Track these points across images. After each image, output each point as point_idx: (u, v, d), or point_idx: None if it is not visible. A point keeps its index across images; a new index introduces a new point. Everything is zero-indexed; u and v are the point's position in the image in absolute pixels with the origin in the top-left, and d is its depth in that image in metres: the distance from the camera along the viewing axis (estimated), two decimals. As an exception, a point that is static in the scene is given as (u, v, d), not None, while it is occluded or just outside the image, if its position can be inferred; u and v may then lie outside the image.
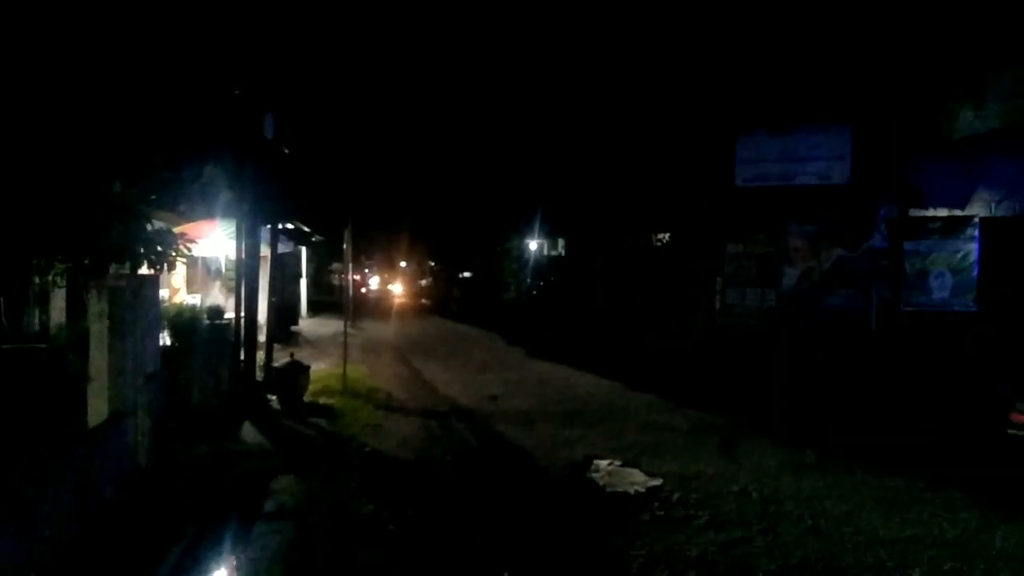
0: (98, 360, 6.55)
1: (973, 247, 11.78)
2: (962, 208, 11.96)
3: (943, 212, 12.13)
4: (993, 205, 11.80)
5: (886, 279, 12.34)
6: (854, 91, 12.76)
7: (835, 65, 12.62)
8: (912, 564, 5.35)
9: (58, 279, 9.15)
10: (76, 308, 10.12)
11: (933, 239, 12.10)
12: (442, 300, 39.56)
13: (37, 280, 9.97)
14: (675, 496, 6.88)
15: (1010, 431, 8.83)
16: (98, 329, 6.57)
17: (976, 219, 11.75)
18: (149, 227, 8.20)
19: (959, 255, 11.92)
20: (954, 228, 11.99)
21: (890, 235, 12.37)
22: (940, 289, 12.07)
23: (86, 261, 7.91)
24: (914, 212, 12.29)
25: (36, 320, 10.88)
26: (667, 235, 18.77)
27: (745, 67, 13.89)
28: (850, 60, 12.49)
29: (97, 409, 6.50)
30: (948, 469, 7.60)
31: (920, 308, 12.07)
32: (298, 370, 10.50)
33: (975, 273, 11.77)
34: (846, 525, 6.12)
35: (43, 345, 9.40)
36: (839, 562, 5.39)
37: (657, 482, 7.26)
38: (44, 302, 10.96)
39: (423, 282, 56.59)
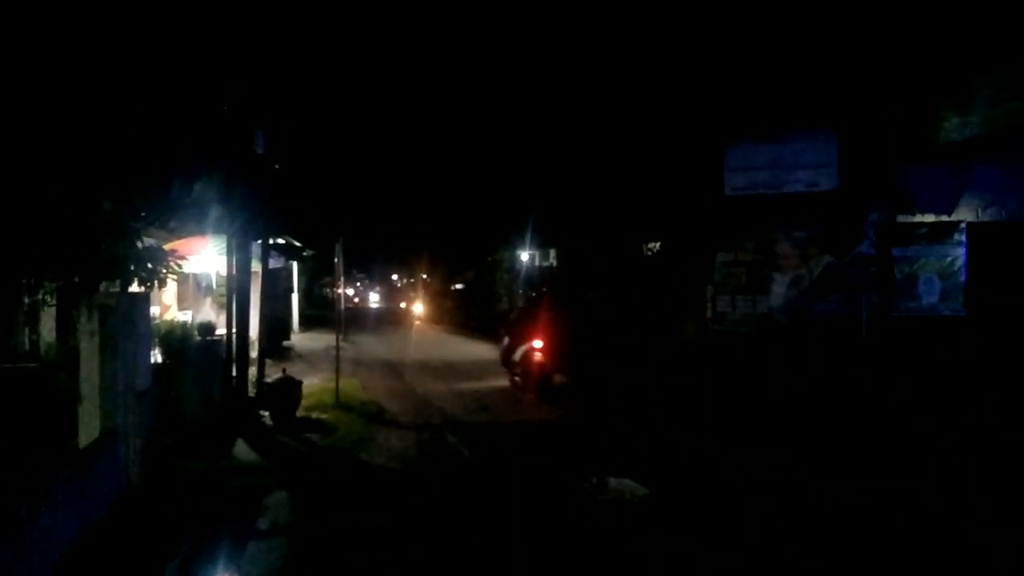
0: (89, 378, 6.52)
1: (960, 252, 11.88)
2: (949, 214, 12.07)
3: (930, 218, 12.24)
4: (979, 210, 11.91)
5: (875, 285, 12.42)
6: (840, 98, 12.87)
7: (821, 72, 12.73)
8: None
9: (48, 297, 9.10)
10: (66, 326, 10.06)
11: (921, 245, 12.20)
12: (434, 312, 39.52)
13: (27, 298, 9.92)
14: (669, 504, 6.90)
15: None
16: (89, 347, 6.55)
17: (963, 224, 11.86)
18: (139, 244, 8.18)
19: (947, 260, 12.02)
20: (941, 234, 12.10)
21: (878, 241, 12.45)
22: (929, 294, 12.16)
23: (76, 279, 7.88)
24: (902, 218, 12.39)
25: (26, 339, 10.81)
26: (658, 244, 18.83)
27: (732, 76, 14.00)
28: (836, 67, 12.61)
29: (88, 428, 6.47)
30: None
31: (910, 313, 12.15)
32: (290, 385, 10.48)
33: (963, 278, 11.87)
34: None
35: (33, 364, 9.34)
36: None
37: (646, 490, 7.28)
38: (34, 320, 10.89)
39: (414, 294, 56.52)
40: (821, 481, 7.59)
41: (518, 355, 13.87)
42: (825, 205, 12.98)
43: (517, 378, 14.09)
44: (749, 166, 13.61)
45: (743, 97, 14.00)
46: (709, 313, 14.43)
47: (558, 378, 13.83)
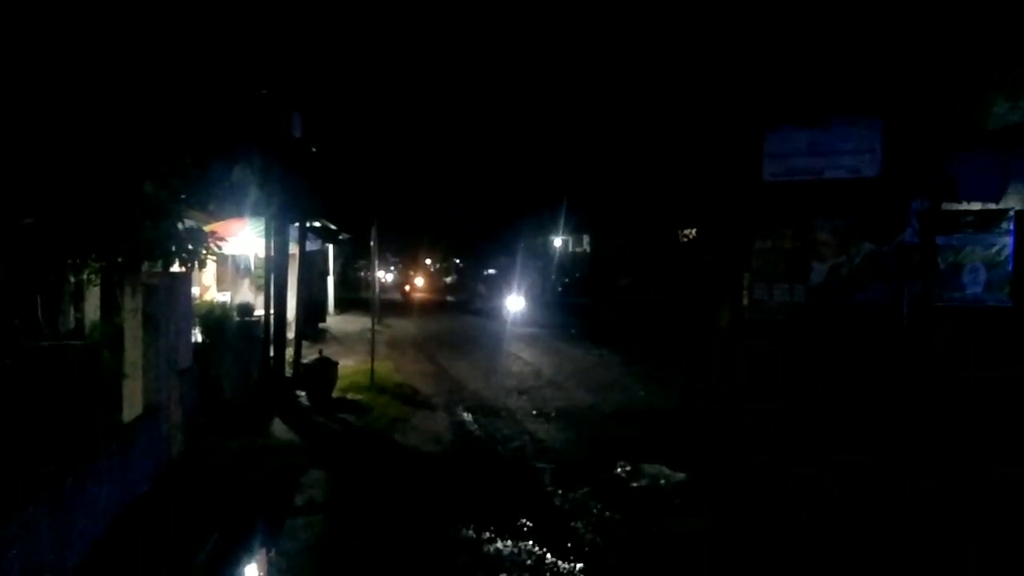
0: (132, 356, 6.67)
1: (1008, 241, 11.58)
2: (996, 201, 11.75)
3: (976, 205, 11.93)
4: (1028, 198, 11.59)
5: (918, 274, 12.16)
6: (884, 83, 12.57)
7: (865, 56, 12.43)
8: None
9: (92, 277, 9.29)
10: (110, 306, 10.28)
11: (966, 233, 11.91)
12: (467, 297, 39.61)
13: (72, 278, 10.15)
14: (703, 491, 6.86)
15: None
16: (132, 325, 6.70)
17: (1011, 212, 11.54)
18: (180, 225, 8.30)
19: (993, 249, 11.73)
20: (988, 222, 11.79)
21: (922, 229, 12.19)
22: (974, 284, 11.88)
23: (119, 259, 8.03)
24: (947, 206, 12.10)
25: (71, 318, 11.08)
26: (694, 230, 18.65)
27: (773, 60, 13.74)
28: (880, 51, 12.30)
29: (132, 404, 6.62)
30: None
31: (953, 304, 11.88)
32: (326, 366, 10.60)
33: (1010, 267, 11.56)
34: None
35: (78, 342, 9.56)
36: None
37: (681, 476, 7.23)
38: (79, 300, 11.15)
39: (448, 279, 56.76)
40: (858, 472, 7.50)
41: None
42: (867, 192, 12.72)
43: None
44: (788, 152, 13.39)
45: (783, 82, 13.74)
46: (746, 300, 14.27)
47: None
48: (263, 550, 5.51)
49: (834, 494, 6.79)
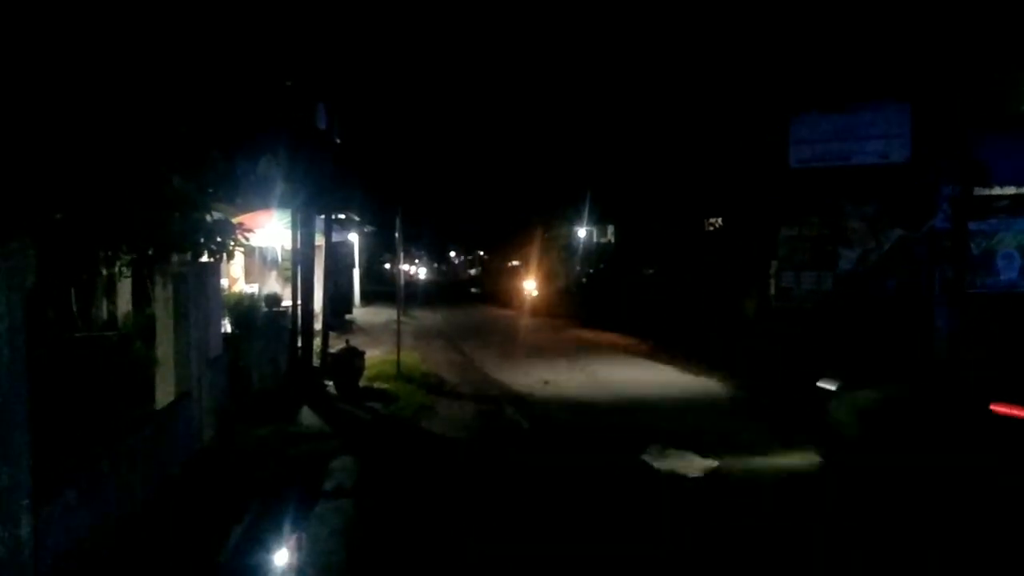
0: (164, 344, 6.79)
1: (1043, 226, 11.34)
2: (1030, 185, 11.52)
3: (1010, 190, 11.69)
4: (1064, 181, 11.34)
5: (949, 260, 11.96)
6: (913, 65, 12.33)
7: (892, 38, 12.22)
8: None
9: (124, 269, 9.45)
10: (141, 297, 10.47)
11: (1000, 218, 11.68)
12: (491, 289, 39.70)
13: (104, 271, 10.33)
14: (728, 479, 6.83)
15: None
16: (163, 315, 6.82)
17: (1046, 196, 11.30)
18: (208, 218, 8.41)
19: (1028, 235, 11.49)
20: (1022, 206, 11.55)
21: (953, 214, 11.96)
22: (1008, 270, 11.65)
23: (149, 251, 8.16)
24: (979, 191, 11.87)
25: (104, 310, 11.28)
26: (719, 219, 18.49)
27: (797, 43, 13.54)
28: (908, 33, 12.09)
29: (164, 391, 6.75)
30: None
31: (986, 290, 11.67)
32: (353, 355, 10.70)
33: (1045, 253, 11.34)
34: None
35: (111, 333, 9.75)
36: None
37: (713, 463, 7.20)
38: (111, 293, 11.35)
39: (472, 271, 56.93)
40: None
41: None
42: (896, 177, 12.52)
43: None
44: (815, 138, 13.21)
45: (808, 66, 13.54)
46: (772, 289, 14.15)
47: None
48: (293, 534, 5.58)
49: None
